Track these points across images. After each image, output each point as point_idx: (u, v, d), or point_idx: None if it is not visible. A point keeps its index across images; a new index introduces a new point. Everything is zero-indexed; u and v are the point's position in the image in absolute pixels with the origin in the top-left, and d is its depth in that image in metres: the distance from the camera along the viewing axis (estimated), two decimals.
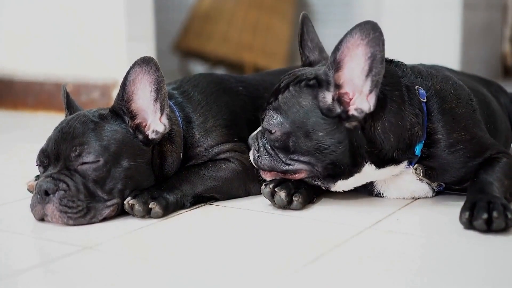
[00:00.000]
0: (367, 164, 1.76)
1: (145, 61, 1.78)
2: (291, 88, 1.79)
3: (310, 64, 1.99)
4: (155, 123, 1.82)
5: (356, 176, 1.78)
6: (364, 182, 1.85)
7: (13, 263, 1.50)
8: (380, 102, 1.73)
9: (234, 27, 5.78)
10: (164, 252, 1.55)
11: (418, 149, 1.80)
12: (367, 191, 1.93)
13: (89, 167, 1.74)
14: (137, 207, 1.75)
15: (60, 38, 4.08)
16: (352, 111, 1.71)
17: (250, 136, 1.94)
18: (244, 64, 5.79)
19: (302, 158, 1.77)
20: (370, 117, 1.73)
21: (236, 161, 1.97)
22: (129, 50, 3.86)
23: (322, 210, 1.84)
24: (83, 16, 4.00)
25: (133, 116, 1.83)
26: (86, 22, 3.99)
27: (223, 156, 1.97)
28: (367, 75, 1.68)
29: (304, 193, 1.84)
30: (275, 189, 1.81)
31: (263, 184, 1.85)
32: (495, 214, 1.56)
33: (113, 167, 1.76)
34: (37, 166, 1.82)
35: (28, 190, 2.03)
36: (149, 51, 3.95)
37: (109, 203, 1.76)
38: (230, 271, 1.41)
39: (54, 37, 4.10)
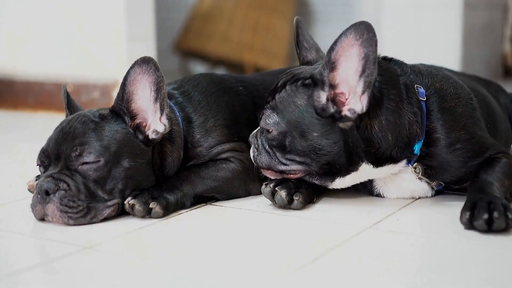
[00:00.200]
0: (364, 163, 1.76)
1: (144, 61, 1.78)
2: (287, 87, 1.79)
3: (308, 63, 1.99)
4: (155, 123, 1.82)
5: (354, 174, 1.78)
6: (362, 180, 1.85)
7: (14, 262, 1.50)
8: (377, 101, 1.73)
9: (234, 27, 5.78)
10: (164, 252, 1.55)
11: (417, 148, 1.80)
12: (367, 191, 1.93)
13: (90, 167, 1.74)
14: (137, 207, 1.75)
15: (60, 38, 4.08)
16: (345, 111, 1.71)
17: (251, 134, 1.94)
18: (244, 64, 5.79)
19: (297, 158, 1.77)
20: (366, 116, 1.73)
21: (237, 161, 1.97)
22: (129, 50, 3.86)
23: (322, 210, 1.84)
24: (83, 16, 4.00)
25: (133, 116, 1.83)
26: (86, 22, 3.99)
27: (223, 156, 1.97)
28: (360, 76, 1.68)
29: (305, 192, 1.84)
30: (276, 188, 1.81)
31: (264, 183, 1.85)
32: (495, 214, 1.56)
33: (113, 167, 1.76)
34: (38, 166, 1.83)
35: (29, 190, 2.03)
36: (149, 51, 3.95)
37: (109, 203, 1.76)
38: (230, 271, 1.41)
39: (54, 37, 4.10)
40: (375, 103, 1.72)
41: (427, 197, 1.92)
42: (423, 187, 1.89)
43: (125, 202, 1.77)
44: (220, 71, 6.03)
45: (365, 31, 1.65)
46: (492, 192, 1.68)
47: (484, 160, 1.83)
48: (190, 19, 5.98)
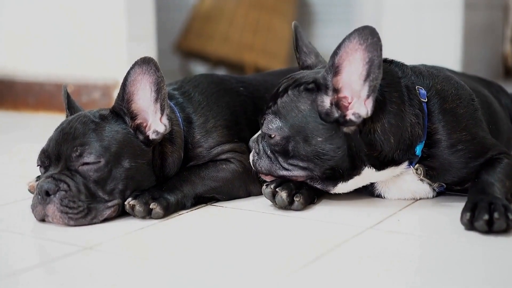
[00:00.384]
0: (367, 167, 1.76)
1: (145, 62, 1.78)
2: (289, 92, 1.79)
3: (308, 67, 1.99)
4: (156, 124, 1.82)
5: (356, 178, 1.78)
6: (364, 184, 1.85)
7: (14, 263, 1.50)
8: (379, 104, 1.73)
9: (235, 27, 5.78)
10: (165, 252, 1.55)
11: (418, 150, 1.80)
12: (368, 192, 1.93)
13: (90, 168, 1.74)
14: (138, 207, 1.75)
15: (61, 38, 4.08)
16: (349, 115, 1.70)
17: (251, 139, 1.93)
18: (244, 64, 5.79)
19: (301, 163, 1.77)
20: (369, 120, 1.73)
21: (237, 161, 1.97)
22: (130, 50, 3.86)
23: (323, 211, 1.84)
24: (83, 16, 4.00)
25: (133, 117, 1.83)
26: (86, 22, 3.99)
27: (223, 156, 1.97)
28: (365, 80, 1.68)
29: (306, 193, 1.83)
30: (276, 189, 1.81)
31: (264, 184, 1.85)
32: (496, 215, 1.56)
33: (114, 168, 1.76)
34: (38, 167, 1.83)
35: (29, 190, 2.03)
36: (150, 51, 3.95)
37: (110, 203, 1.76)
38: (230, 271, 1.41)
39: (54, 37, 4.11)
40: (377, 107, 1.72)
41: (428, 198, 1.91)
42: (424, 188, 1.89)
43: (126, 202, 1.77)
44: (221, 71, 6.03)
45: (369, 36, 1.64)
46: (493, 193, 1.68)
47: (486, 160, 1.83)
48: (191, 19, 5.98)
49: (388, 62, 1.86)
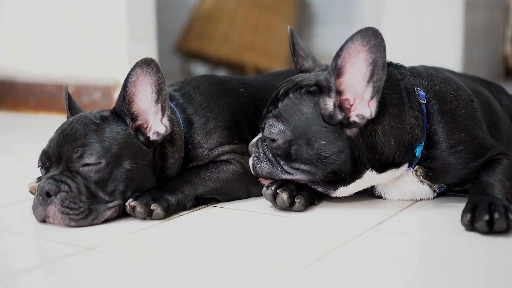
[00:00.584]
0: (368, 170, 1.76)
1: (146, 63, 1.78)
2: (291, 95, 1.78)
3: (305, 71, 1.98)
4: (156, 125, 1.82)
5: (358, 181, 1.78)
6: (365, 187, 1.85)
7: (15, 263, 1.50)
8: (380, 107, 1.72)
9: (235, 28, 5.78)
10: (165, 253, 1.55)
11: (418, 151, 1.80)
12: (368, 193, 1.93)
13: (91, 169, 1.74)
14: (138, 208, 1.75)
15: (61, 39, 4.09)
16: (353, 117, 1.70)
17: (250, 144, 1.92)
18: (245, 65, 5.79)
19: (303, 167, 1.77)
20: (370, 123, 1.73)
21: (237, 162, 1.97)
22: (130, 51, 3.86)
23: (323, 212, 1.84)
24: (83, 16, 4.00)
25: (134, 118, 1.83)
26: (86, 22, 3.99)
27: (224, 157, 1.97)
28: (369, 81, 1.68)
29: (306, 195, 1.83)
30: (277, 191, 1.81)
31: (265, 186, 1.85)
32: (496, 215, 1.56)
33: (114, 169, 1.76)
34: (39, 168, 1.83)
35: (30, 191, 2.03)
36: (150, 51, 3.95)
37: (110, 204, 1.76)
38: (230, 272, 1.41)
39: (54, 38, 4.11)
40: (378, 109, 1.72)
41: (428, 199, 1.92)
42: (424, 189, 1.89)
43: (126, 203, 1.77)
44: (222, 72, 6.03)
45: (372, 37, 1.65)
46: (493, 193, 1.68)
47: (485, 161, 1.83)
48: (191, 20, 5.98)
49: (387, 65, 1.86)
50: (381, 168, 1.77)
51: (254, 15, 5.82)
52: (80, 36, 4.02)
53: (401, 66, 1.88)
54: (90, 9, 3.96)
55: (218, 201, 1.96)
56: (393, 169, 1.80)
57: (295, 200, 1.81)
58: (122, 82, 1.82)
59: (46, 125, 3.02)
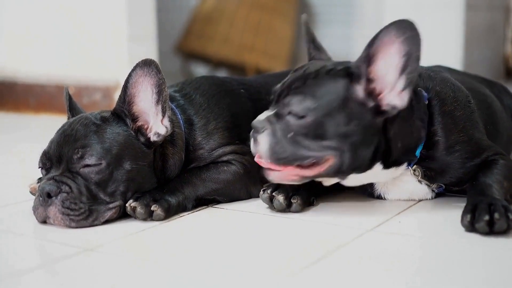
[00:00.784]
0: (379, 163, 1.76)
1: (146, 63, 1.78)
2: (322, 75, 1.74)
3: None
4: (157, 126, 1.83)
5: (368, 172, 1.77)
6: (368, 181, 1.85)
7: (15, 263, 1.50)
8: None
9: (236, 28, 5.78)
10: (165, 254, 1.55)
11: (418, 151, 1.81)
12: (368, 193, 1.93)
13: (92, 170, 1.74)
14: (139, 209, 1.75)
15: (61, 39, 4.09)
16: (384, 106, 1.70)
17: (256, 120, 1.77)
18: (245, 66, 5.79)
19: (334, 144, 1.69)
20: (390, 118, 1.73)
21: (238, 163, 1.97)
22: (131, 52, 3.86)
23: (323, 213, 1.84)
24: (83, 16, 4.00)
25: (134, 119, 1.83)
26: (86, 22, 3.99)
27: (224, 158, 1.97)
28: (401, 73, 1.68)
29: (303, 194, 1.83)
30: (273, 193, 1.81)
31: (262, 190, 1.85)
32: (496, 215, 1.56)
33: (115, 170, 1.76)
34: (40, 169, 1.83)
35: (31, 192, 2.03)
36: (151, 52, 3.95)
37: (111, 205, 1.76)
38: (230, 272, 1.41)
39: (54, 38, 4.11)
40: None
41: (427, 199, 1.92)
42: (422, 189, 1.89)
43: (127, 204, 1.77)
44: (222, 72, 6.03)
45: (407, 29, 1.66)
46: (492, 194, 1.68)
47: (482, 161, 1.84)
48: (192, 20, 5.98)
49: None
50: (387, 164, 1.77)
51: (255, 15, 5.81)
52: (80, 36, 4.02)
53: None
54: (90, 9, 3.96)
55: (218, 202, 1.96)
56: (394, 168, 1.80)
57: (292, 201, 1.81)
58: (122, 82, 1.82)
59: (46, 126, 3.03)
